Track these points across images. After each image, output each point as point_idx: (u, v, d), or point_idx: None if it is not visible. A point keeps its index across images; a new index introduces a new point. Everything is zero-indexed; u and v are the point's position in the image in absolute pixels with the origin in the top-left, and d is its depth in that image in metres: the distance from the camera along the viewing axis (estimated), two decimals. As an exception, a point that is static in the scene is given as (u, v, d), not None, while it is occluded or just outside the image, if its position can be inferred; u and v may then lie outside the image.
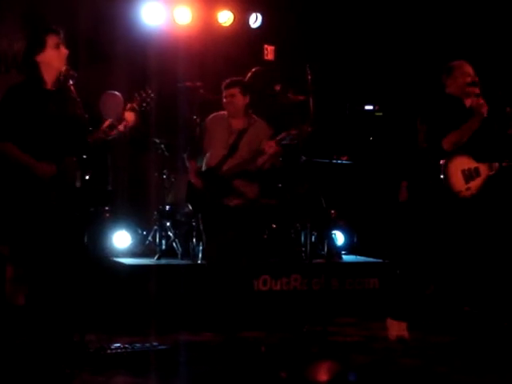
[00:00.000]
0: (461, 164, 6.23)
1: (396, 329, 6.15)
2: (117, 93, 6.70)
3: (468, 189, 6.20)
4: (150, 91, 5.43)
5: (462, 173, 6.21)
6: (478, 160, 6.22)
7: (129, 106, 5.42)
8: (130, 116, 5.35)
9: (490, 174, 6.22)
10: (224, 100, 6.70)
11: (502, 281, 6.44)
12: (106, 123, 5.31)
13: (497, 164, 6.22)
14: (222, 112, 6.78)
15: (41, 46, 5.22)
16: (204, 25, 8.64)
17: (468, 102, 6.31)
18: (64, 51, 5.28)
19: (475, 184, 6.22)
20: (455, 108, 6.33)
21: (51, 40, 5.23)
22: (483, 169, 6.22)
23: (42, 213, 5.21)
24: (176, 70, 8.21)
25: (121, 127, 5.38)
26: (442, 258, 6.26)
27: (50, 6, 7.99)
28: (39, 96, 5.24)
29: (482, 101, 6.12)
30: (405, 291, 6.20)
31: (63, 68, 5.26)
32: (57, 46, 5.24)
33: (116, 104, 6.22)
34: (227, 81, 6.74)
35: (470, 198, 6.21)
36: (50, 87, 5.29)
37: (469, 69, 6.37)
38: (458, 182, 6.21)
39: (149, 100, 5.41)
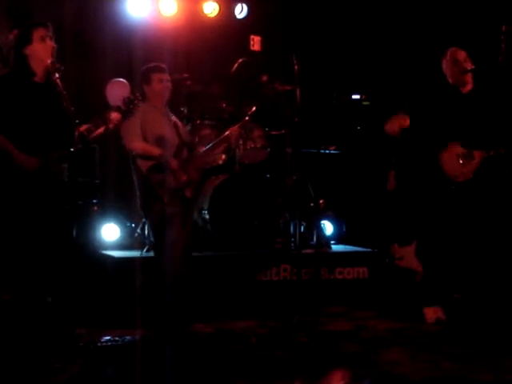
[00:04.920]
0: (455, 150, 6.27)
1: (432, 313, 6.39)
2: (123, 80, 6.67)
3: (463, 173, 6.25)
4: (138, 95, 5.50)
5: (457, 158, 6.26)
6: (468, 147, 6.26)
7: (115, 106, 5.47)
8: (115, 116, 5.39)
9: (485, 156, 6.24)
10: (160, 84, 6.19)
11: (494, 268, 6.45)
12: (84, 127, 5.32)
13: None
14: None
15: (27, 39, 5.37)
16: (190, 16, 8.61)
17: (467, 88, 6.35)
18: (50, 44, 5.38)
19: (470, 168, 6.26)
20: (448, 97, 6.37)
21: (37, 33, 5.36)
22: (477, 152, 6.25)
23: (27, 206, 5.25)
24: (162, 61, 8.18)
25: (101, 130, 5.40)
26: (440, 243, 6.35)
27: (35, -1, 7.98)
28: (27, 88, 5.34)
29: None
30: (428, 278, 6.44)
31: (49, 61, 5.32)
32: (42, 39, 5.36)
33: (122, 91, 6.20)
34: (159, 65, 6.30)
35: (465, 183, 6.26)
36: (39, 80, 5.39)
37: (460, 55, 6.38)
38: (454, 168, 6.26)
39: (136, 102, 5.43)
